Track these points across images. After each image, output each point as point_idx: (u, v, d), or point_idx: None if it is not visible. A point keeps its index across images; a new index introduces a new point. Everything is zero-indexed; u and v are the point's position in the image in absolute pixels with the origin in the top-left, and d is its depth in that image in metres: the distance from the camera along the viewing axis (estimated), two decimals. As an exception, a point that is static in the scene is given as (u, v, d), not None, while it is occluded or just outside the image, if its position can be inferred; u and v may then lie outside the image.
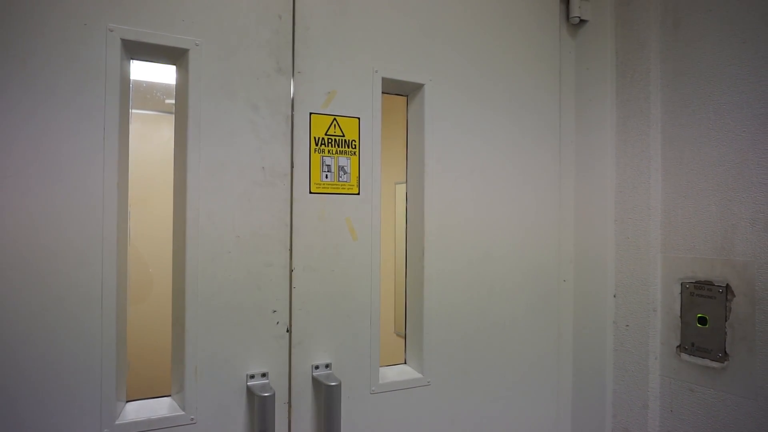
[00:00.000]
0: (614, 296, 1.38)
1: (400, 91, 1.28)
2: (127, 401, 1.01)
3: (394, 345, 1.92)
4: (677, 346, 1.26)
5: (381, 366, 1.20)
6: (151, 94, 2.20)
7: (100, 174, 0.93)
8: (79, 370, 0.90)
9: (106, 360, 0.92)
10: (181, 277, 1.01)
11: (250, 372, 1.04)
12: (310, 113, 1.12)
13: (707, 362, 1.19)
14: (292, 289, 1.09)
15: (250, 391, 1.03)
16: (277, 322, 1.08)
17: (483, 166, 1.32)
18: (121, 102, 0.95)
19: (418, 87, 1.25)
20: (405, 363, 1.29)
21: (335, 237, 1.13)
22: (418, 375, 1.23)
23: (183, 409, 0.99)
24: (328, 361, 1.12)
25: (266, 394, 0.98)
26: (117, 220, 0.94)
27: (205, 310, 1.01)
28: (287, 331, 1.09)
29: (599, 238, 1.39)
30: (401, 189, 1.98)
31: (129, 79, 1.03)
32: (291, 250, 1.09)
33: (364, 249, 1.16)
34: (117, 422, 0.93)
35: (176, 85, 1.07)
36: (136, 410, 0.98)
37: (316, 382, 1.09)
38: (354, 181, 1.16)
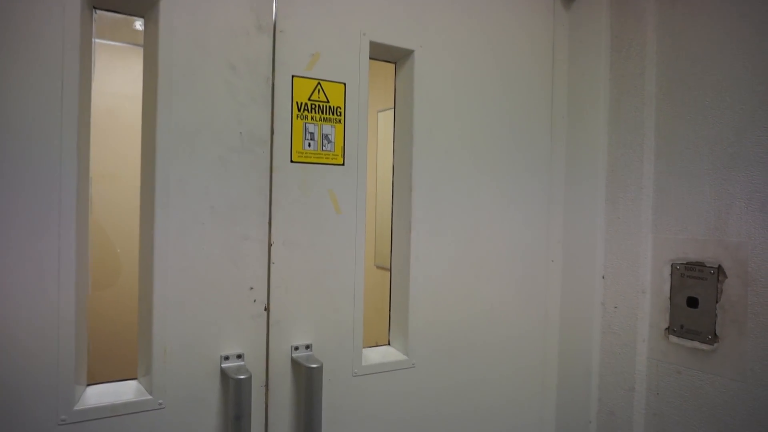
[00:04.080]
0: (603, 277, 1.34)
1: (389, 58, 1.21)
2: (89, 385, 0.92)
3: (375, 277, 1.87)
4: (666, 329, 1.23)
5: (364, 347, 1.14)
6: (117, 21, 2.05)
7: (57, 132, 0.83)
8: (32, 350, 0.82)
9: (64, 339, 0.84)
10: (149, 251, 0.92)
11: (225, 353, 0.97)
12: (293, 76, 1.03)
13: (696, 344, 1.17)
14: (271, 265, 1.01)
15: (224, 373, 0.95)
16: (254, 300, 1.00)
17: (474, 139, 1.25)
18: (81, 60, 0.85)
19: (407, 53, 1.18)
20: (389, 344, 1.23)
21: (317, 210, 1.06)
22: (402, 357, 1.18)
23: (150, 392, 0.91)
24: (308, 341, 1.05)
25: (241, 377, 0.91)
26: (77, 186, 0.85)
27: (175, 286, 0.93)
28: (265, 309, 1.01)
29: (589, 218, 1.35)
30: (384, 116, 1.91)
31: (91, 33, 0.92)
32: (270, 223, 1.01)
33: (348, 224, 1.09)
34: (76, 408, 0.85)
35: (144, 40, 0.97)
36: (98, 394, 0.89)
37: (295, 364, 1.02)
38: (338, 151, 1.08)
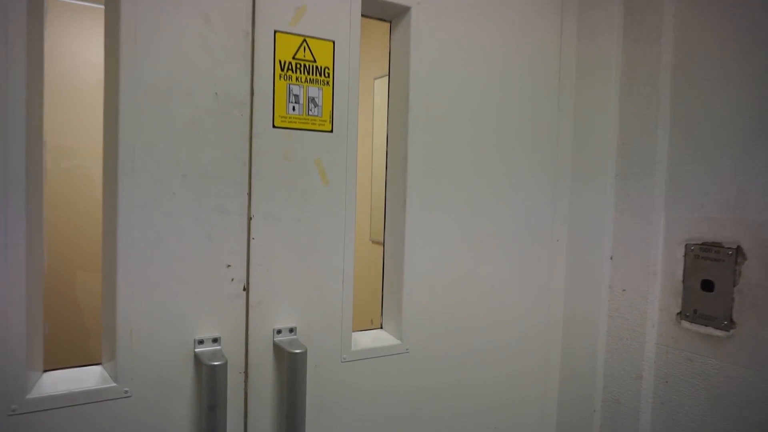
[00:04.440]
0: (611, 258, 1.25)
1: (383, 15, 1.10)
2: (47, 371, 0.84)
3: (371, 252, 1.77)
4: (677, 313, 1.15)
5: (354, 331, 1.05)
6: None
7: (2, 95, 0.73)
8: (-23, 333, 0.72)
9: (14, 319, 0.74)
10: (112, 224, 0.83)
11: (199, 337, 0.88)
12: (275, 31, 0.93)
13: (711, 330, 1.09)
14: (251, 241, 0.92)
15: (197, 358, 0.86)
16: (232, 279, 0.91)
17: (475, 107, 1.15)
18: (30, 14, 0.74)
19: (403, 11, 1.07)
20: (381, 328, 1.14)
21: (303, 180, 0.96)
22: (395, 341, 1.09)
23: (115, 379, 0.82)
24: (292, 324, 0.96)
25: (216, 363, 0.83)
26: (26, 149, 0.75)
27: (142, 263, 0.83)
28: (244, 289, 0.92)
29: (597, 195, 1.26)
30: (381, 84, 1.79)
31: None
32: (250, 194, 0.92)
33: (337, 196, 1.00)
34: (29, 396, 0.76)
35: (107, -14, 0.86)
36: (55, 382, 0.80)
37: (277, 348, 0.93)
38: (326, 116, 0.98)
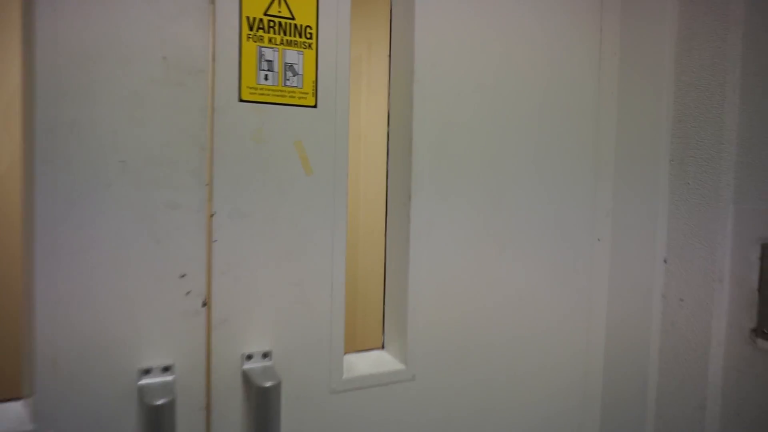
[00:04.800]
0: (665, 261, 1.03)
1: (381, -36, 0.90)
2: (-47, 408, 0.66)
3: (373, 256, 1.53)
4: (752, 330, 0.92)
5: (346, 353, 0.86)
6: None
7: None
8: None
9: None
10: (30, 223, 0.65)
11: (145, 365, 0.70)
12: (241, -20, 0.73)
13: (798, 353, 0.86)
14: (212, 244, 0.73)
15: (141, 393, 0.68)
16: (188, 292, 0.72)
17: (496, 78, 0.94)
18: None
19: (406, -42, 0.87)
20: (382, 348, 0.94)
21: (279, 168, 0.77)
22: (399, 365, 0.89)
23: (35, 419, 0.65)
24: (266, 348, 0.77)
25: (160, 402, 0.64)
26: None
27: (68, 273, 0.65)
28: (204, 305, 0.73)
29: (646, 184, 1.03)
30: (377, 48, 1.53)
31: None
32: (211, 185, 0.73)
33: (323, 188, 0.80)
34: None
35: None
36: (-45, 425, 0.63)
37: (247, 378, 0.75)
38: (308, 88, 0.78)
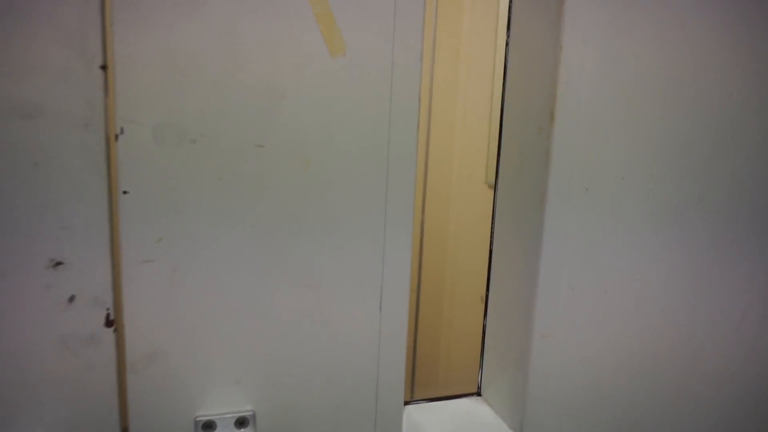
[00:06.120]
0: None
1: None
2: None
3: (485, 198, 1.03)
4: None
5: (409, 404, 0.45)
6: None
7: None
8: None
9: None
10: None
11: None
12: None
13: None
14: (120, 200, 0.34)
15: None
16: (72, 298, 0.34)
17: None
18: None
19: None
20: (479, 395, 0.53)
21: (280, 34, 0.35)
22: (505, 430, 0.48)
23: None
24: (245, 408, 0.39)
25: None
26: None
27: None
28: (109, 323, 0.35)
29: None
30: None
31: None
32: (108, 73, 0.33)
33: (363, 72, 0.37)
34: None
35: None
36: None
37: (201, 469, 0.37)
38: None
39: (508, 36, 0.49)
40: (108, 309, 0.35)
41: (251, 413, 0.39)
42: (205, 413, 0.38)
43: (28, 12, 0.31)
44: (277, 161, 0.37)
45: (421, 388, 1.03)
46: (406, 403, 0.48)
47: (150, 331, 0.36)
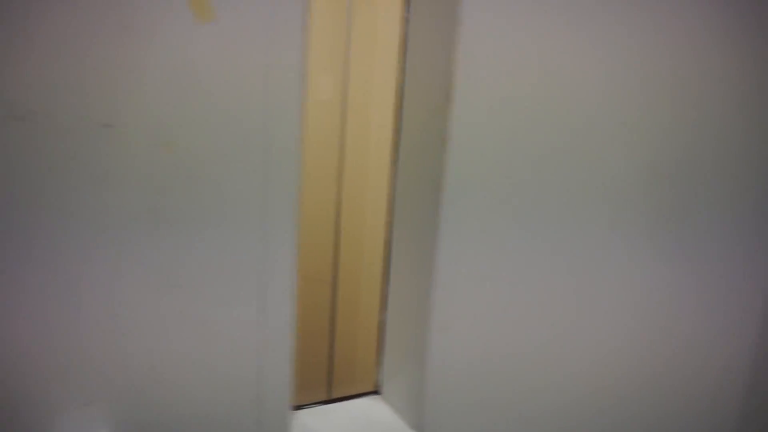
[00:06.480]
0: None
1: None
2: None
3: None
4: None
5: (299, 408, 0.42)
6: None
7: None
8: None
9: None
10: None
11: None
12: None
13: None
14: None
15: None
16: None
17: None
18: None
19: None
20: (377, 393, 0.50)
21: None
22: (403, 427, 0.45)
23: None
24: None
25: None
26: None
27: None
28: None
29: None
30: None
31: None
32: None
33: (230, 38, 0.33)
34: None
35: None
36: None
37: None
38: None
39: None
40: None
41: (107, 436, 0.34)
42: (46, 440, 0.32)
43: None
44: (131, 144, 0.32)
45: (331, 388, 0.99)
46: (298, 407, 0.44)
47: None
